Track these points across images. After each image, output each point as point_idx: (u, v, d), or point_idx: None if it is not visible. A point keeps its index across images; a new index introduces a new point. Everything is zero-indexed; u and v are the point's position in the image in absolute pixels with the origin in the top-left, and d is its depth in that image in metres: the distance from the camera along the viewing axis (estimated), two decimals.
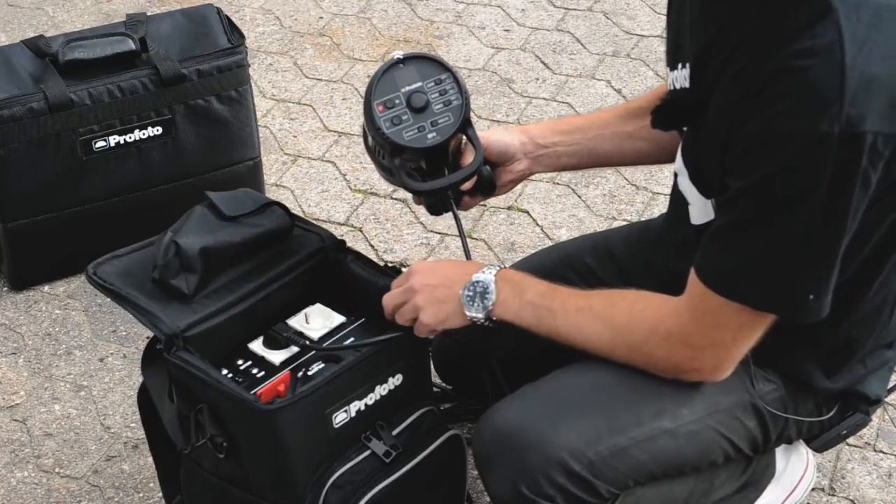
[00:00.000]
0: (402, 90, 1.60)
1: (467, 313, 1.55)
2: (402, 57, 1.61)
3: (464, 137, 1.65)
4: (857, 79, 1.28)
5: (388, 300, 1.59)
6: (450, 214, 1.68)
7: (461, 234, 1.66)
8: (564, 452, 1.49)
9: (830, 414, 1.67)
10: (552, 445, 1.50)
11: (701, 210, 1.55)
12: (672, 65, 1.57)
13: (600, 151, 1.78)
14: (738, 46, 1.38)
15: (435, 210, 1.71)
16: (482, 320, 1.55)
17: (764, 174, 1.33)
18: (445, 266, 1.61)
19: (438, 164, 1.63)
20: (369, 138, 1.64)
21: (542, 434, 1.51)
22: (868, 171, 1.32)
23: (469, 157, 1.66)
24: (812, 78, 1.29)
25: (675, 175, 1.64)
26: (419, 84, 1.60)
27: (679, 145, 1.61)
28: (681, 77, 1.53)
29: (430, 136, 1.59)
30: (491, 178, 1.72)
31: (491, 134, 1.72)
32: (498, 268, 1.56)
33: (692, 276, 1.45)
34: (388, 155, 1.61)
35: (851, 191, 1.32)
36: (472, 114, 2.88)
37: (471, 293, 1.54)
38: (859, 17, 1.30)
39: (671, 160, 1.76)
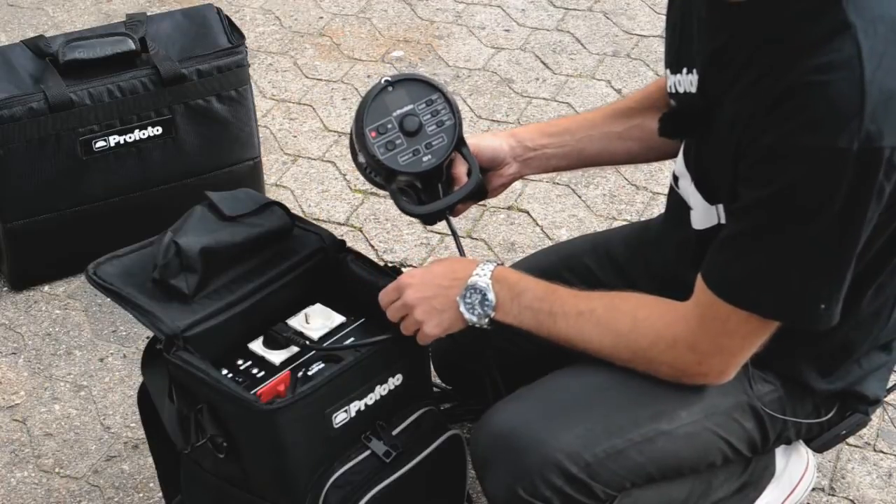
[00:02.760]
0: (394, 114, 1.59)
1: (466, 317, 1.55)
2: (390, 80, 1.61)
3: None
4: (876, 94, 1.28)
5: (390, 315, 1.58)
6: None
7: (458, 245, 1.67)
8: (561, 454, 1.49)
9: (829, 415, 1.67)
10: (549, 448, 1.50)
11: (703, 215, 1.55)
12: (674, 68, 1.56)
13: (589, 152, 1.78)
14: (752, 57, 1.38)
15: (430, 223, 1.72)
16: (482, 325, 1.56)
17: (779, 186, 1.33)
18: (436, 274, 1.58)
19: (433, 183, 1.63)
20: (359, 156, 1.63)
21: (539, 436, 1.51)
22: (883, 184, 1.32)
23: (461, 169, 1.66)
24: (832, 93, 1.29)
25: (676, 178, 1.63)
26: (410, 107, 1.60)
27: (681, 148, 1.60)
28: (685, 82, 1.52)
29: (424, 159, 1.60)
30: (482, 183, 1.72)
31: (480, 140, 1.72)
32: (492, 268, 1.55)
33: (700, 284, 1.44)
34: (384, 179, 1.61)
35: (867, 204, 1.33)
36: (473, 114, 2.90)
37: (469, 301, 1.54)
38: (876, 32, 1.30)
39: (661, 159, 1.77)
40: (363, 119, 1.59)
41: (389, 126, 1.59)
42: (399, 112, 1.60)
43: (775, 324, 1.44)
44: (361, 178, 1.68)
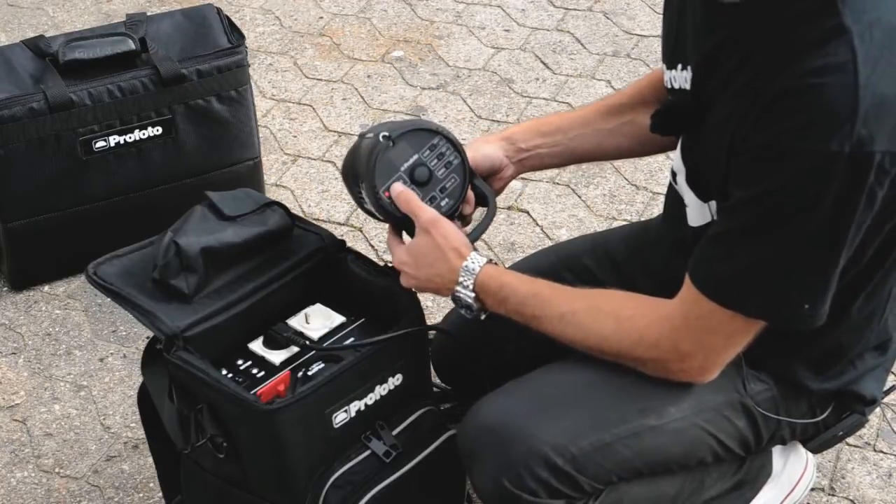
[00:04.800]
0: (402, 169, 1.58)
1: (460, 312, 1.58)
2: (388, 135, 1.58)
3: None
4: (869, 99, 1.28)
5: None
6: None
7: None
8: (547, 447, 1.50)
9: (825, 415, 1.67)
10: (535, 440, 1.50)
11: (698, 212, 1.55)
12: (670, 64, 1.56)
13: (582, 150, 1.78)
14: (747, 57, 1.38)
15: None
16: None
17: (770, 187, 1.34)
18: (427, 267, 1.58)
19: (451, 220, 1.62)
20: (367, 204, 1.61)
21: (526, 429, 1.51)
22: (874, 189, 1.32)
23: (469, 193, 1.65)
24: (825, 96, 1.29)
25: (674, 174, 1.63)
26: (416, 157, 1.58)
27: (678, 144, 1.61)
28: (680, 78, 1.53)
29: (443, 203, 1.59)
30: (484, 191, 1.72)
31: (476, 152, 1.71)
32: (474, 278, 1.54)
33: (686, 281, 1.45)
34: (408, 231, 1.60)
35: (856, 207, 1.33)
36: (473, 114, 2.90)
37: (457, 305, 1.58)
38: (872, 37, 1.30)
39: (654, 153, 1.79)
40: (374, 182, 1.56)
41: (401, 182, 1.58)
42: (406, 165, 1.58)
43: (760, 323, 1.44)
44: None
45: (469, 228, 1.65)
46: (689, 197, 1.57)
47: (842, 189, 1.31)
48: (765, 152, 1.33)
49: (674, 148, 1.63)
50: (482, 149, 1.72)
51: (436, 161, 1.59)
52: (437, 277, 1.57)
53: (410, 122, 1.62)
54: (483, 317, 1.58)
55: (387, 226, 1.65)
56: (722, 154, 1.41)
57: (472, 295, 1.55)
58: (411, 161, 1.58)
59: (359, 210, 2.64)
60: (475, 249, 1.57)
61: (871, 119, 1.28)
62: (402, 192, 1.57)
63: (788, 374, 1.61)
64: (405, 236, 1.63)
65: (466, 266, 1.55)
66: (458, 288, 1.56)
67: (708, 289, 1.42)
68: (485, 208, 1.65)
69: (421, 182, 1.58)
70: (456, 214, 1.62)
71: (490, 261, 1.56)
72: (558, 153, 1.77)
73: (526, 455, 1.50)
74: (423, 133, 1.60)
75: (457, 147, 1.61)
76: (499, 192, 1.78)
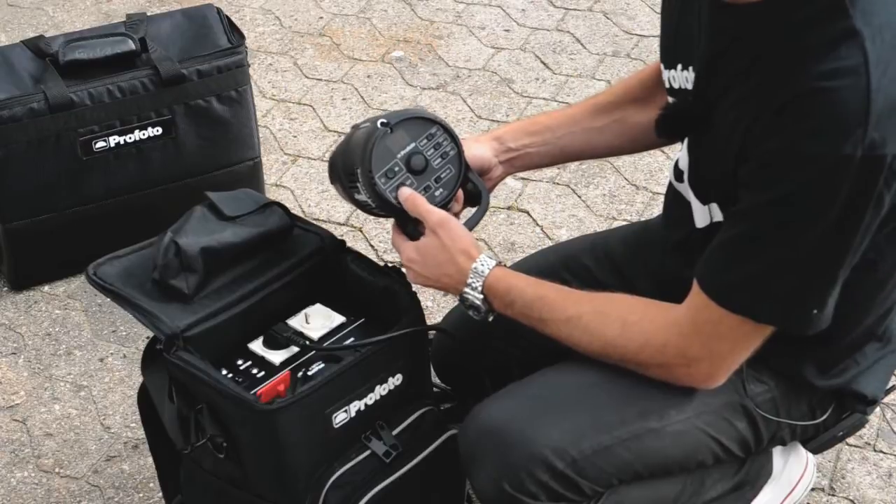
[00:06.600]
0: (399, 156, 1.57)
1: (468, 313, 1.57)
2: (387, 122, 1.58)
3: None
4: (881, 102, 1.28)
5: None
6: None
7: None
8: (548, 450, 1.50)
9: (825, 416, 1.67)
10: (536, 443, 1.50)
11: (700, 214, 1.55)
12: (669, 63, 1.56)
13: (571, 149, 1.78)
14: (755, 61, 1.38)
15: None
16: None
17: (781, 191, 1.33)
18: (436, 267, 1.58)
19: (443, 209, 1.62)
20: (359, 193, 1.60)
21: (526, 432, 1.51)
22: (882, 192, 1.32)
23: (459, 191, 1.65)
24: (837, 100, 1.29)
25: (680, 174, 1.63)
26: (413, 145, 1.58)
27: (685, 145, 1.60)
28: (681, 78, 1.52)
29: (437, 193, 1.59)
30: (476, 190, 1.72)
31: (466, 151, 1.70)
32: (483, 280, 1.55)
33: (694, 286, 1.44)
34: (401, 220, 1.61)
35: (865, 211, 1.33)
36: (473, 114, 2.90)
37: (464, 305, 1.57)
38: (883, 40, 1.30)
39: (643, 150, 1.79)
40: (371, 166, 1.56)
41: (397, 169, 1.57)
42: (403, 153, 1.57)
43: (768, 329, 1.43)
44: None
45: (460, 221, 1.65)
46: (691, 197, 1.57)
47: (852, 193, 1.30)
48: (776, 157, 1.33)
49: (663, 145, 1.62)
50: (472, 148, 1.72)
51: (432, 151, 1.59)
52: (445, 278, 1.57)
53: (409, 111, 1.62)
54: (490, 318, 1.58)
55: (387, 226, 1.64)
56: (728, 158, 1.40)
57: (481, 297, 1.55)
58: (408, 149, 1.58)
59: (359, 210, 2.64)
60: (484, 251, 1.57)
61: (883, 122, 1.28)
62: (410, 196, 1.56)
63: (794, 372, 1.61)
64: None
65: (475, 268, 1.55)
66: (467, 290, 1.56)
67: (717, 294, 1.41)
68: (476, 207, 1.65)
69: (417, 170, 1.58)
70: (449, 206, 1.62)
71: (499, 263, 1.56)
72: (547, 152, 1.77)
73: (526, 458, 1.50)
74: (421, 122, 1.60)
75: (454, 138, 1.61)
76: (489, 192, 1.78)
